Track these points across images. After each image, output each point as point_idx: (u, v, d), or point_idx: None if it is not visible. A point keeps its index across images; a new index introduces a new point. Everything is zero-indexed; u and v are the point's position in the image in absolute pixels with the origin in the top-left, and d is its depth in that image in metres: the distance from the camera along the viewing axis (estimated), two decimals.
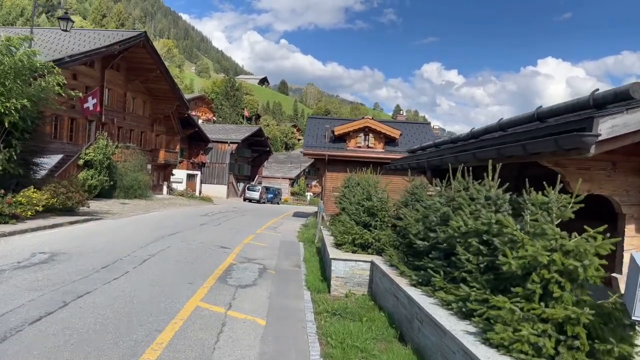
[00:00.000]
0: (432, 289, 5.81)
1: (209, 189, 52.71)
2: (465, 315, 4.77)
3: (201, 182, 52.80)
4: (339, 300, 7.94)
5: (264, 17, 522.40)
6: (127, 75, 31.86)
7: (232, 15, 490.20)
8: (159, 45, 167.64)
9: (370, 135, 26.34)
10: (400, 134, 26.36)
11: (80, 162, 24.76)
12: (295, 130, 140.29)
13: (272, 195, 56.98)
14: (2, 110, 12.63)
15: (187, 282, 8.35)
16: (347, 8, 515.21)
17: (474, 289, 4.83)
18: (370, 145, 26.36)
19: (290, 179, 72.43)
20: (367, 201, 9.07)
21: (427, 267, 5.93)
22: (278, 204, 57.97)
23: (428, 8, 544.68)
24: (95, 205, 22.01)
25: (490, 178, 5.14)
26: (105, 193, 26.44)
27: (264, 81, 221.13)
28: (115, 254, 10.38)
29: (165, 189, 38.97)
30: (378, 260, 8.20)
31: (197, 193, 49.64)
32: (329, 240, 10.72)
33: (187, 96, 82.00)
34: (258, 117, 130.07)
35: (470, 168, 6.44)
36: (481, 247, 4.89)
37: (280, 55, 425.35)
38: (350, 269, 8.35)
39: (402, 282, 6.50)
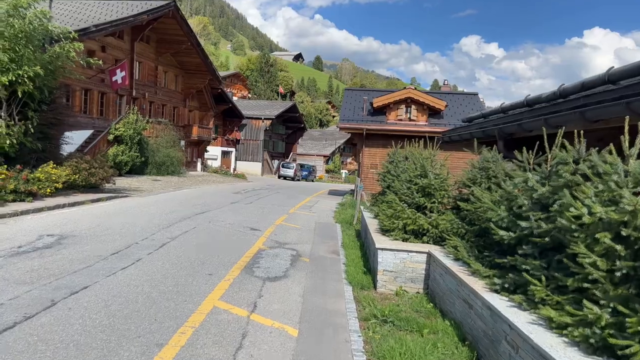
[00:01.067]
0: (525, 299, 4.23)
1: (243, 166, 51.94)
2: (596, 349, 3.19)
3: (236, 159, 52.07)
4: (389, 301, 6.46)
5: None
6: (157, 48, 30.83)
7: None
8: (194, 22, 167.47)
9: (413, 107, 24.36)
10: (446, 106, 24.27)
11: (110, 137, 24.01)
12: (330, 106, 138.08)
13: (306, 173, 55.72)
14: (14, 79, 11.60)
15: (206, 273, 7.05)
16: None
17: (605, 308, 3.23)
18: (412, 117, 24.41)
19: (324, 156, 70.94)
20: (421, 179, 7.47)
21: (520, 268, 4.34)
22: (312, 181, 56.73)
23: None
24: (125, 182, 21.26)
25: (627, 144, 3.46)
26: (137, 170, 25.75)
27: (298, 57, 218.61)
28: (132, 236, 9.23)
29: (199, 165, 38.26)
30: (437, 251, 6.64)
31: (231, 170, 48.99)
32: (372, 224, 9.20)
33: (222, 73, 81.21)
34: (292, 93, 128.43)
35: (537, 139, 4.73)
36: (617, 246, 3.26)
37: (315, 31, 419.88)
38: (401, 262, 6.83)
39: (478, 285, 4.93)
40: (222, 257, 8.23)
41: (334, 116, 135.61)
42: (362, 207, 12.51)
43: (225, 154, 49.68)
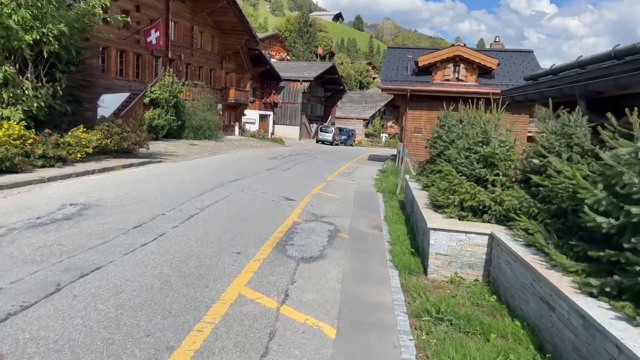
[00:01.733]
0: (638, 312, 3.20)
1: (281, 130, 51.24)
2: None
3: (274, 123, 51.34)
4: (442, 290, 5.52)
5: None
6: (193, 7, 29.87)
7: None
8: None
9: (461, 65, 22.58)
10: (498, 64, 22.34)
11: (146, 100, 23.63)
12: (370, 68, 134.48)
13: (345, 137, 54.46)
14: (39, 37, 11.00)
15: (234, 252, 6.31)
16: None
17: None
18: (460, 77, 22.67)
19: (364, 120, 69.15)
20: (482, 146, 6.34)
21: (631, 267, 3.29)
22: (351, 145, 55.48)
23: None
24: (161, 146, 20.91)
25: None
26: (174, 134, 25.43)
27: (338, 17, 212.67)
28: (159, 206, 8.61)
29: (236, 129, 37.79)
30: (501, 233, 5.60)
31: (269, 134, 48.42)
32: (420, 197, 8.18)
33: (260, 35, 79.55)
34: (332, 55, 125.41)
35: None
36: None
37: None
38: (458, 244, 5.84)
39: (562, 283, 3.91)
40: (253, 231, 7.47)
41: (374, 78, 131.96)
42: (407, 177, 11.44)
43: (263, 118, 49.00)
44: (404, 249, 7.00)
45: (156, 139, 23.60)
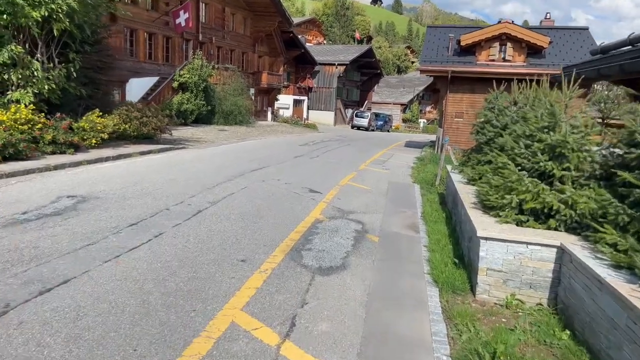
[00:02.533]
0: None
1: (315, 116, 50.08)
2: None
3: (308, 108, 50.22)
4: (496, 318, 4.28)
5: None
6: None
7: None
8: None
9: (508, 44, 20.66)
10: (550, 42, 20.30)
11: (175, 84, 22.93)
12: (408, 51, 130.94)
13: (381, 122, 52.67)
14: (47, 14, 10.21)
15: (239, 259, 5.26)
16: None
17: None
18: (507, 57, 20.78)
19: (402, 105, 66.98)
20: (548, 133, 4.99)
21: None
22: (388, 131, 53.71)
23: None
24: (189, 132, 20.19)
25: None
26: (204, 119, 24.72)
27: (376, 1, 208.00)
28: (165, 199, 7.68)
29: (269, 115, 36.89)
30: (575, 246, 4.29)
31: (303, 120, 47.37)
32: (465, 193, 6.88)
33: (296, 19, 78.49)
34: (370, 39, 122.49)
35: None
36: None
37: None
38: (516, 258, 4.57)
39: None
40: (266, 232, 6.41)
41: (413, 62, 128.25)
42: (448, 167, 10.08)
43: (297, 103, 47.95)
44: (445, 257, 5.76)
45: (185, 124, 23.01)
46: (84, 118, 11.67)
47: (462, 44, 21.12)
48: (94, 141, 11.60)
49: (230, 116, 26.59)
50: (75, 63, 11.51)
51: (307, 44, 60.28)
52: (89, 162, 10.42)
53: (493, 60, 21.03)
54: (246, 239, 6.03)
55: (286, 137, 25.52)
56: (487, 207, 5.44)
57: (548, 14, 24.49)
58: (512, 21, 20.23)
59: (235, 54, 31.53)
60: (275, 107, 39.92)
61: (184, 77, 23.06)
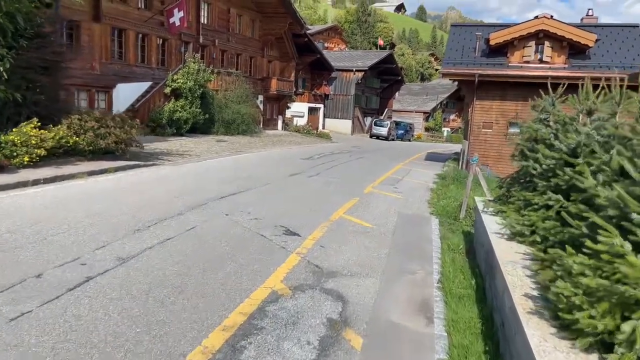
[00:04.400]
0: None
1: (332, 124, 47.53)
2: None
3: (324, 116, 47.73)
4: None
5: None
6: None
7: None
8: None
9: (546, 43, 17.71)
10: (597, 40, 17.28)
11: (167, 90, 20.67)
12: (432, 59, 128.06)
13: (402, 132, 49.77)
14: None
15: None
16: None
17: None
18: (544, 58, 17.82)
19: (424, 113, 63.84)
20: None
21: None
22: (409, 140, 50.76)
23: None
24: (178, 143, 17.86)
25: None
26: (202, 128, 22.43)
27: (400, 8, 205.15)
28: (56, 251, 5.18)
29: (279, 123, 34.48)
30: None
31: (319, 128, 44.89)
32: (507, 258, 4.15)
33: (318, 27, 76.62)
34: (393, 46, 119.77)
35: None
36: None
37: None
38: None
39: None
40: (172, 327, 3.80)
41: (436, 69, 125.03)
42: (477, 200, 7.27)
43: (312, 111, 45.47)
44: None
45: (178, 134, 20.74)
46: (14, 130, 9.32)
47: (492, 43, 18.26)
48: (26, 159, 9.23)
49: (232, 125, 24.24)
50: (5, 61, 9.18)
51: (330, 51, 58.01)
52: (4, 187, 8.01)
53: (528, 62, 18.11)
54: (129, 344, 3.41)
55: (292, 148, 22.98)
56: (568, 327, 2.67)
57: (590, 10, 21.39)
58: (552, 16, 17.30)
59: (241, 58, 29.25)
60: (287, 115, 37.54)
61: (178, 83, 20.80)
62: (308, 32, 54.51)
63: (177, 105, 20.54)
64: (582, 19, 21.75)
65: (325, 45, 66.87)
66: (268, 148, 21.26)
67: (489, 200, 6.55)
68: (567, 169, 4.32)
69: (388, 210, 9.50)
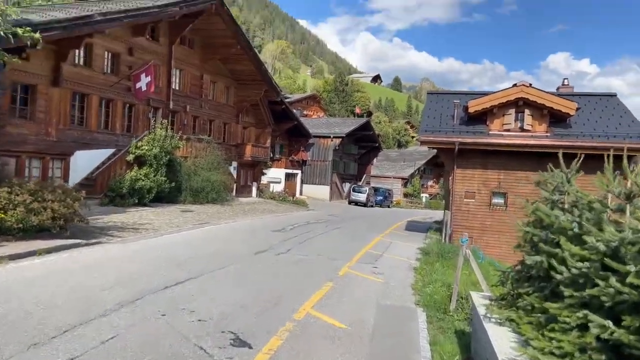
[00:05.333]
0: None
1: (310, 190, 46.55)
2: None
3: (302, 182, 46.85)
4: None
5: (376, 18, 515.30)
6: (202, 53, 26.30)
7: (346, 18, 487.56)
8: (272, 46, 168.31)
9: (527, 111, 17.23)
10: (578, 109, 16.86)
11: (130, 157, 19.33)
12: (408, 127, 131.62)
13: (381, 198, 49.04)
14: None
15: None
16: (462, 2, 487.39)
17: None
18: (525, 126, 17.26)
19: (402, 179, 63.75)
20: None
21: None
22: (389, 207, 49.92)
23: None
24: (137, 215, 16.27)
25: None
26: (169, 197, 20.91)
27: (376, 79, 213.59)
28: None
29: (254, 190, 33.21)
30: None
31: (297, 194, 43.77)
32: None
33: (298, 96, 77.95)
34: (370, 114, 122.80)
35: None
36: None
37: (393, 54, 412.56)
38: None
39: None
40: None
41: (413, 137, 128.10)
42: (474, 296, 5.91)
43: (289, 177, 44.58)
44: None
45: (141, 204, 19.18)
46: None
47: (471, 110, 17.73)
48: None
49: (201, 193, 22.80)
50: None
51: (307, 118, 58.28)
52: None
53: (508, 130, 17.53)
54: None
55: (264, 218, 21.54)
56: None
57: (566, 80, 21.41)
58: (530, 84, 16.96)
59: (215, 125, 28.40)
60: (264, 182, 36.40)
61: (142, 150, 19.53)
62: (287, 100, 54.90)
63: (140, 174, 19.13)
64: (558, 88, 21.71)
65: (305, 112, 67.54)
66: (238, 218, 19.77)
67: (491, 301, 5.17)
68: (613, 279, 3.04)
69: (366, 299, 8.03)
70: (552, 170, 5.29)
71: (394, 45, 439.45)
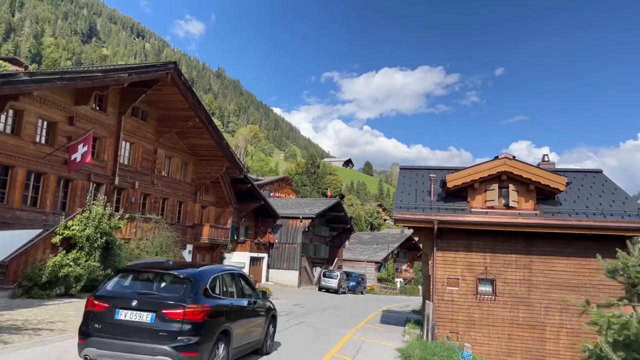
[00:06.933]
0: None
1: (277, 276, 43.23)
2: None
3: (268, 267, 43.59)
4: None
5: (347, 107, 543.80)
6: (158, 125, 24.35)
7: (319, 107, 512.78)
8: (245, 130, 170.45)
9: (511, 186, 15.44)
10: (568, 184, 15.17)
11: (56, 239, 16.35)
12: (380, 209, 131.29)
13: (354, 283, 45.98)
14: None
15: None
16: (427, 94, 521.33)
17: None
18: (511, 203, 15.38)
19: (376, 263, 60.98)
20: None
21: None
22: (362, 293, 46.72)
23: (512, 86, 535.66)
24: (52, 310, 13.15)
25: None
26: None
27: (348, 163, 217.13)
28: None
29: None
30: None
31: (262, 280, 40.40)
32: None
33: (269, 178, 76.82)
34: (342, 196, 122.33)
35: None
36: None
37: (364, 140, 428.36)
38: None
39: None
40: None
41: (385, 219, 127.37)
42: None
43: (254, 261, 41.33)
44: None
45: (68, 294, 16.01)
46: None
47: (449, 185, 15.84)
48: None
49: None
50: None
51: (275, 198, 56.26)
52: None
53: (492, 207, 15.59)
54: None
55: None
56: None
57: (546, 156, 20.10)
58: (514, 156, 15.34)
59: (168, 203, 25.77)
60: None
61: (73, 230, 16.63)
62: (258, 182, 53.04)
63: (67, 258, 16.07)
64: (538, 164, 20.30)
65: (276, 194, 65.69)
66: None
67: None
68: None
69: None
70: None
71: (365, 132, 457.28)
